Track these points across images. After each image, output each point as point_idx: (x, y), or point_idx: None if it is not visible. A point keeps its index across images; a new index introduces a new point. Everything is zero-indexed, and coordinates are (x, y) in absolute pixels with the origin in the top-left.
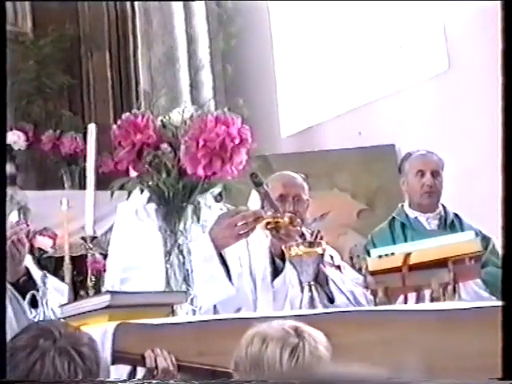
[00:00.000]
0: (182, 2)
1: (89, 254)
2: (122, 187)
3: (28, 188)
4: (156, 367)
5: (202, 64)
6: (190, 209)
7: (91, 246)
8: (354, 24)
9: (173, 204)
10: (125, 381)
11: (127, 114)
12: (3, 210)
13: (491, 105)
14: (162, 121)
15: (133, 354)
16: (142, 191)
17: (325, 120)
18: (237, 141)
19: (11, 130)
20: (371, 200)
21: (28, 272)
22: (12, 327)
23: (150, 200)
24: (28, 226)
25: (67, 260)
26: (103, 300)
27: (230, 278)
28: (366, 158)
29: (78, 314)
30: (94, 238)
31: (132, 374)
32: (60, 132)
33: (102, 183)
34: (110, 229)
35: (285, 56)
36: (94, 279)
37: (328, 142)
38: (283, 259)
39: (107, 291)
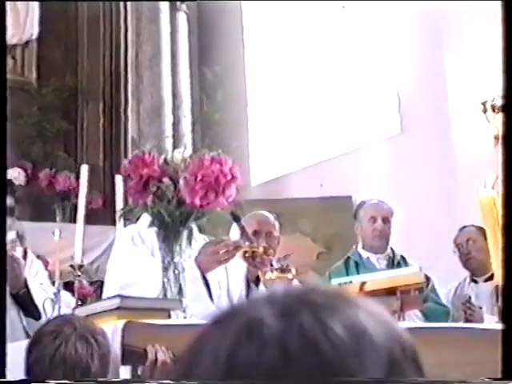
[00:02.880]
0: (169, 64)
1: (76, 281)
2: (129, 212)
3: (25, 219)
4: (156, 360)
5: (184, 115)
6: (185, 233)
7: (79, 273)
8: (318, 90)
9: (171, 228)
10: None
11: (136, 151)
12: (4, 219)
13: (437, 165)
14: (164, 158)
15: (137, 347)
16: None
17: (290, 172)
18: (228, 177)
19: (13, 166)
20: (329, 244)
21: (26, 285)
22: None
23: (152, 224)
24: (21, 246)
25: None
26: (114, 302)
27: (211, 298)
28: (326, 206)
29: (91, 314)
30: (81, 266)
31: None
32: (55, 171)
33: (91, 218)
34: (96, 259)
35: (257, 114)
36: (80, 303)
37: (293, 191)
38: (257, 284)
39: (118, 295)
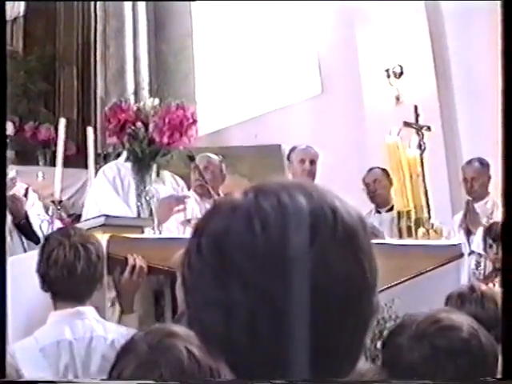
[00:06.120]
0: (131, 35)
1: (56, 213)
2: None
3: (14, 163)
4: (134, 266)
5: (143, 78)
6: (154, 166)
7: (59, 207)
8: (254, 59)
9: (143, 162)
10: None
11: (115, 100)
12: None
13: (351, 118)
14: (138, 106)
15: (119, 255)
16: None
17: (231, 125)
18: (190, 120)
19: None
20: None
21: (26, 217)
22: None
23: (127, 159)
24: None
25: None
26: (100, 220)
27: None
28: (260, 153)
29: None
30: (60, 201)
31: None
32: (38, 124)
33: (67, 162)
34: (71, 196)
35: (203, 78)
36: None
37: (233, 140)
38: None
39: (103, 215)
